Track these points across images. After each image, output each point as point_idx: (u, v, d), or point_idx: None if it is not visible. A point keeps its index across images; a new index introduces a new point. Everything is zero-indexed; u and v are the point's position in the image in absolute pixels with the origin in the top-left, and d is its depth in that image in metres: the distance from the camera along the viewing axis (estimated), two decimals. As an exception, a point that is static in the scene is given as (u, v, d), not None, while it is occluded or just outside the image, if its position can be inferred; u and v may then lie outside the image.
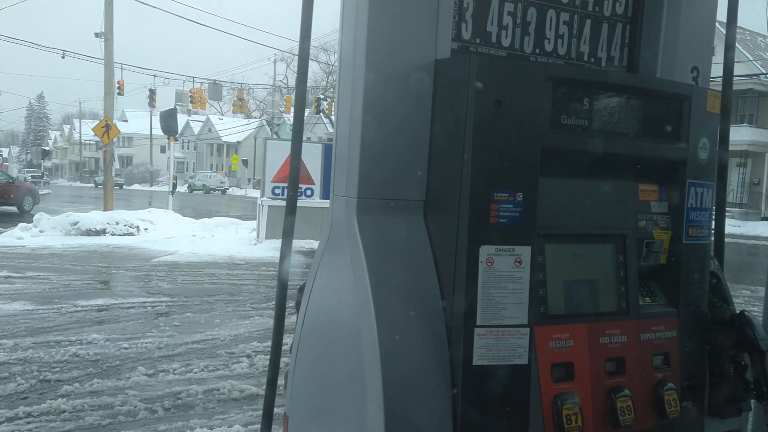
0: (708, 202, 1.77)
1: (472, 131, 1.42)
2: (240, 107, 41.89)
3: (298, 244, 12.57)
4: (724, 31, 2.17)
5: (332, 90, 39.18)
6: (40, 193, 28.81)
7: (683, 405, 1.63)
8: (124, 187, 55.86)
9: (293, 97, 2.22)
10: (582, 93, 1.58)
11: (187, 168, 79.40)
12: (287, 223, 1.90)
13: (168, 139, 21.33)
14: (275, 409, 1.98)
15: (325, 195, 13.69)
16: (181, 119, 52.44)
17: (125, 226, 15.36)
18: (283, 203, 2.58)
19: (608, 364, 1.56)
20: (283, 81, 52.76)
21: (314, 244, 11.53)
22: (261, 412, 2.03)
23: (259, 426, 2.07)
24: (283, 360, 1.92)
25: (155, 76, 35.13)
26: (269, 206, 14.12)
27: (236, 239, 14.71)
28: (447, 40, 1.59)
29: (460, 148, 1.43)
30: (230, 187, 59.25)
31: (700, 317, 1.74)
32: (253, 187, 50.59)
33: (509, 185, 1.43)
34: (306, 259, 11.29)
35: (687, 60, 1.92)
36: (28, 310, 7.53)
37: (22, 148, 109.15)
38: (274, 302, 1.96)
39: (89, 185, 62.04)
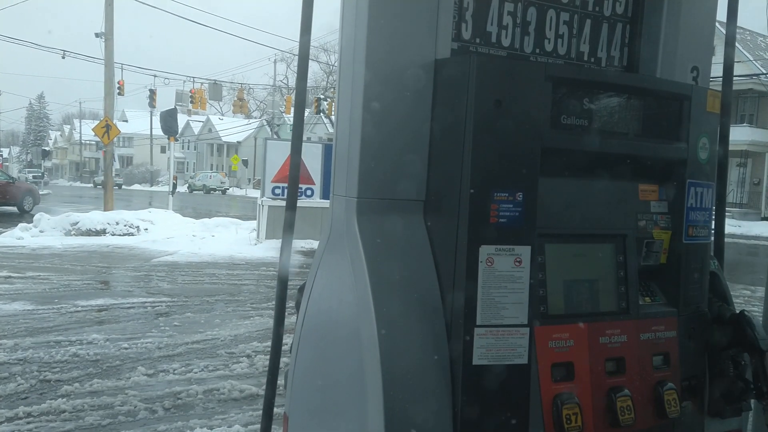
0: (708, 202, 1.77)
1: (471, 131, 1.42)
2: (240, 107, 41.92)
3: (298, 244, 12.58)
4: (724, 31, 2.17)
5: (332, 90, 39.18)
6: (40, 193, 28.81)
7: (683, 405, 1.63)
8: (124, 187, 55.82)
9: (293, 97, 2.22)
10: (582, 93, 1.58)
11: (187, 168, 79.42)
12: (287, 220, 1.90)
13: (168, 139, 21.33)
14: (275, 409, 1.98)
15: (325, 195, 13.69)
16: (182, 119, 52.45)
17: (125, 226, 15.37)
18: (283, 203, 2.58)
19: (608, 364, 1.56)
20: (284, 81, 52.79)
21: (314, 244, 11.52)
22: (261, 412, 2.03)
23: (259, 426, 2.07)
24: (283, 360, 1.92)
25: (155, 76, 35.21)
26: (269, 206, 14.12)
27: (236, 239, 14.71)
28: (447, 40, 1.59)
29: (460, 148, 1.44)
30: (230, 187, 59.24)
31: (700, 317, 1.74)
32: (254, 187, 50.61)
33: (509, 185, 1.43)
34: (306, 259, 11.29)
35: (687, 60, 1.92)
36: (28, 310, 7.53)
37: (22, 148, 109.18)
38: (274, 302, 1.96)
39: (89, 185, 62.07)
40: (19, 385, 5.03)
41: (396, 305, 1.45)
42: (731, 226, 23.02)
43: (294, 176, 1.95)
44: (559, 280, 1.55)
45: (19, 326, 6.78)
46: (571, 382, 1.50)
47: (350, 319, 1.49)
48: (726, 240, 2.19)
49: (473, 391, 1.42)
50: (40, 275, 9.83)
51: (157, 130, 34.55)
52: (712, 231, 1.86)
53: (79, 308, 7.75)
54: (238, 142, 67.36)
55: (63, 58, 26.72)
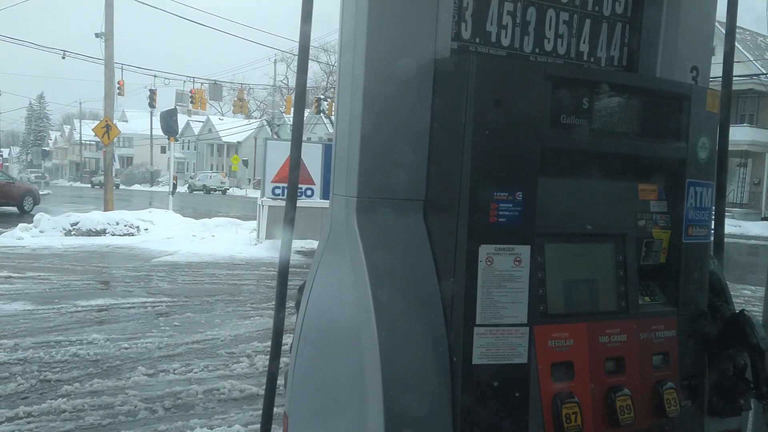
0: (707, 202, 1.77)
1: (471, 130, 1.42)
2: (240, 107, 41.90)
3: (298, 244, 12.60)
4: (724, 30, 2.17)
5: (332, 90, 39.18)
6: (41, 193, 28.83)
7: (683, 404, 1.63)
8: (122, 186, 55.76)
9: (293, 97, 2.23)
10: (581, 92, 1.58)
11: (187, 168, 79.41)
12: (287, 217, 1.90)
13: (168, 139, 21.32)
14: (275, 409, 1.98)
15: (325, 195, 13.69)
16: (182, 119, 52.44)
17: (125, 226, 15.37)
18: (283, 203, 2.58)
19: (608, 364, 1.56)
20: (284, 81, 52.80)
21: (314, 244, 11.51)
22: (261, 411, 2.04)
23: (259, 426, 2.08)
24: (283, 360, 1.92)
25: (155, 76, 35.22)
26: (269, 206, 14.12)
27: (236, 239, 14.71)
28: (446, 40, 1.59)
29: (460, 148, 1.44)
30: (230, 187, 59.21)
31: (699, 316, 1.74)
32: (254, 188, 50.60)
33: (509, 184, 1.43)
34: (306, 259, 11.30)
35: (686, 59, 1.92)
36: (29, 310, 7.54)
37: (22, 148, 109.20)
38: (274, 302, 1.96)
39: (89, 185, 62.05)
40: (19, 384, 5.03)
41: (396, 305, 1.45)
42: (731, 226, 23.02)
43: (293, 180, 1.94)
44: (558, 280, 1.55)
45: (20, 326, 6.78)
46: (570, 382, 1.50)
47: (350, 318, 1.49)
48: (726, 240, 2.20)
49: (473, 391, 1.42)
50: (40, 275, 9.83)
51: (157, 131, 34.54)
52: (712, 231, 1.86)
53: (80, 308, 7.76)
54: (238, 143, 67.34)
55: (63, 58, 26.77)
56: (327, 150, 13.82)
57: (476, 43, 1.71)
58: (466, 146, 1.42)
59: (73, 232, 14.78)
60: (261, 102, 59.27)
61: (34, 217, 15.46)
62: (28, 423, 4.33)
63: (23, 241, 13.72)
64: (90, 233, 14.83)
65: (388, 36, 1.51)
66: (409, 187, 1.55)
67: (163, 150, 64.50)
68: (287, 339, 1.90)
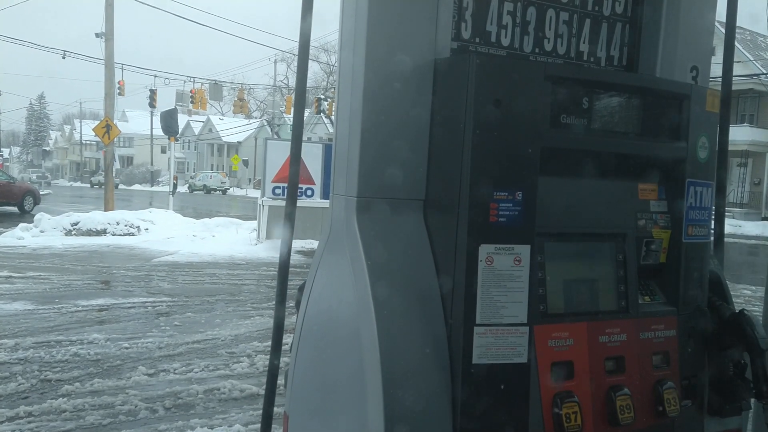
0: (707, 201, 1.77)
1: (471, 130, 1.42)
2: (240, 107, 41.91)
3: (298, 244, 12.59)
4: (724, 30, 2.17)
5: (332, 90, 39.19)
6: (41, 193, 28.84)
7: (683, 404, 1.63)
8: (122, 186, 55.50)
9: (293, 97, 2.23)
10: (581, 92, 1.58)
11: (187, 168, 79.40)
12: (288, 215, 1.90)
13: (168, 139, 21.31)
14: (275, 409, 1.98)
15: (325, 195, 13.68)
16: (182, 119, 52.41)
17: (126, 226, 15.37)
18: (284, 203, 2.59)
19: (608, 363, 1.56)
20: (284, 81, 52.79)
21: (314, 244, 11.52)
22: (261, 411, 2.04)
23: (259, 426, 2.08)
24: (283, 360, 1.92)
25: (155, 76, 35.31)
26: (270, 206, 14.11)
27: (237, 239, 14.70)
28: (446, 40, 1.60)
29: (460, 147, 1.44)
30: (231, 187, 59.18)
31: (699, 316, 1.74)
32: (254, 188, 50.57)
33: (509, 184, 1.43)
34: (306, 259, 11.29)
35: (686, 59, 1.92)
36: (29, 309, 7.54)
37: (22, 148, 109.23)
38: (274, 302, 1.96)
39: (89, 185, 62.04)
40: (20, 384, 5.04)
41: (396, 305, 1.45)
42: (731, 226, 23.02)
43: (293, 178, 1.95)
44: (558, 279, 1.55)
45: (20, 326, 6.78)
46: (570, 381, 1.50)
47: (350, 318, 1.49)
48: (726, 240, 2.20)
49: (473, 390, 1.42)
50: (40, 275, 9.83)
51: (158, 130, 34.52)
52: (712, 230, 1.86)
53: (80, 308, 7.76)
54: (239, 142, 67.32)
55: (63, 58, 26.77)
56: (327, 150, 13.82)
57: (476, 42, 1.71)
58: (466, 146, 1.42)
59: (73, 232, 14.78)
60: (261, 102, 59.28)
61: (35, 217, 15.46)
62: (29, 423, 4.33)
63: (24, 240, 13.72)
64: (90, 233, 14.83)
65: (388, 36, 1.52)
66: (409, 186, 1.55)
67: (164, 150, 64.52)
68: (287, 339, 1.90)
